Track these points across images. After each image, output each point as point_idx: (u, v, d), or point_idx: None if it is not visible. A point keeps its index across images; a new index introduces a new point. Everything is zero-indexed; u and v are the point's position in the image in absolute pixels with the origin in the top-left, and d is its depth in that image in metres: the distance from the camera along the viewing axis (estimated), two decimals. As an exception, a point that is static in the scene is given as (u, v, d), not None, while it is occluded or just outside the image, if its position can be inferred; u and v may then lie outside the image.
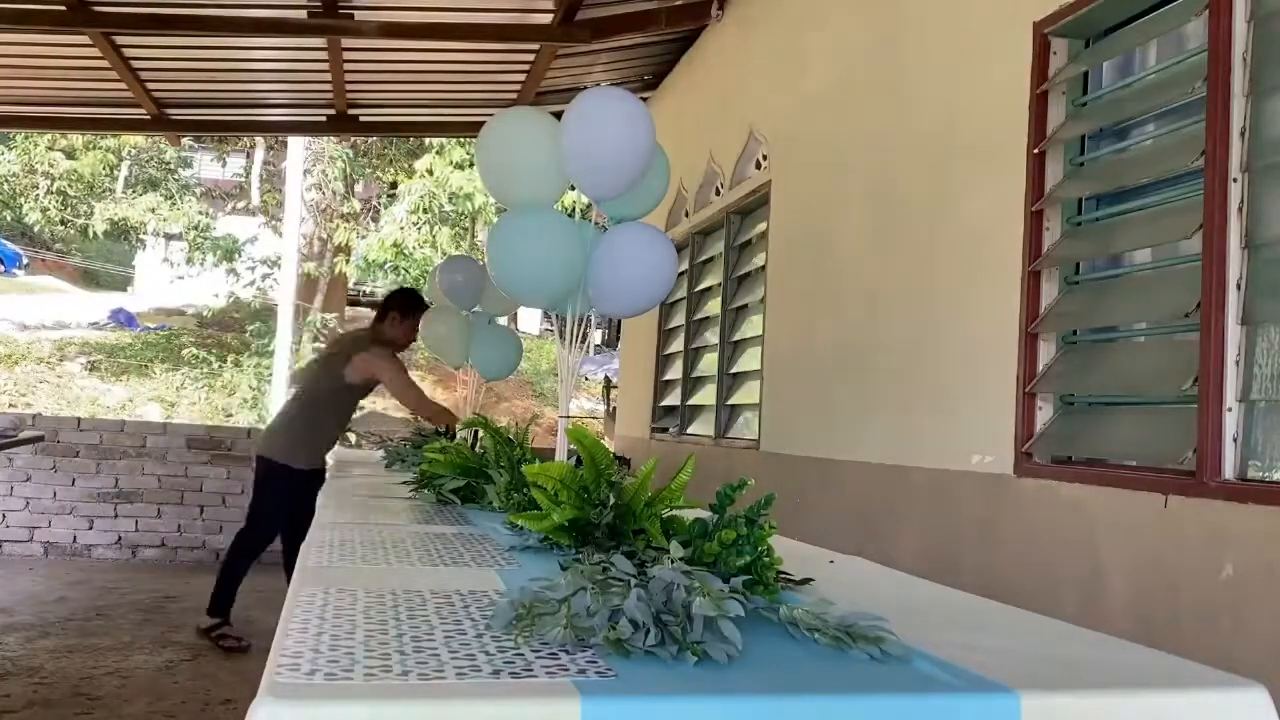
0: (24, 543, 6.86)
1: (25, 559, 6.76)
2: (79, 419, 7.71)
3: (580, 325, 2.74)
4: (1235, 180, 2.15)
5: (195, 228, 17.73)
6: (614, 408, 9.25)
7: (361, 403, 5.29)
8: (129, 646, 4.66)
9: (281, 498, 4.80)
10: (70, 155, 19.39)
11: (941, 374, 3.15)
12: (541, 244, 2.65)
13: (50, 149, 18.85)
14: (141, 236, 20.03)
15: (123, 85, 6.29)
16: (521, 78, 6.48)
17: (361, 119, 7.30)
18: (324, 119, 7.26)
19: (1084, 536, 2.47)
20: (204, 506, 7.06)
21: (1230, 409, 2.12)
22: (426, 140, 14.66)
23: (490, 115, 2.85)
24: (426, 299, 5.04)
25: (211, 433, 7.30)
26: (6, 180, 19.43)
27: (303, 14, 5.44)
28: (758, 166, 5.10)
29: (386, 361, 4.83)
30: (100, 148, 18.99)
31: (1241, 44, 2.18)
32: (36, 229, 21.42)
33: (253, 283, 16.77)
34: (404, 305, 4.95)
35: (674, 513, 1.64)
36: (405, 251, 15.09)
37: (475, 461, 2.58)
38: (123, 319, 17.72)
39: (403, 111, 7.52)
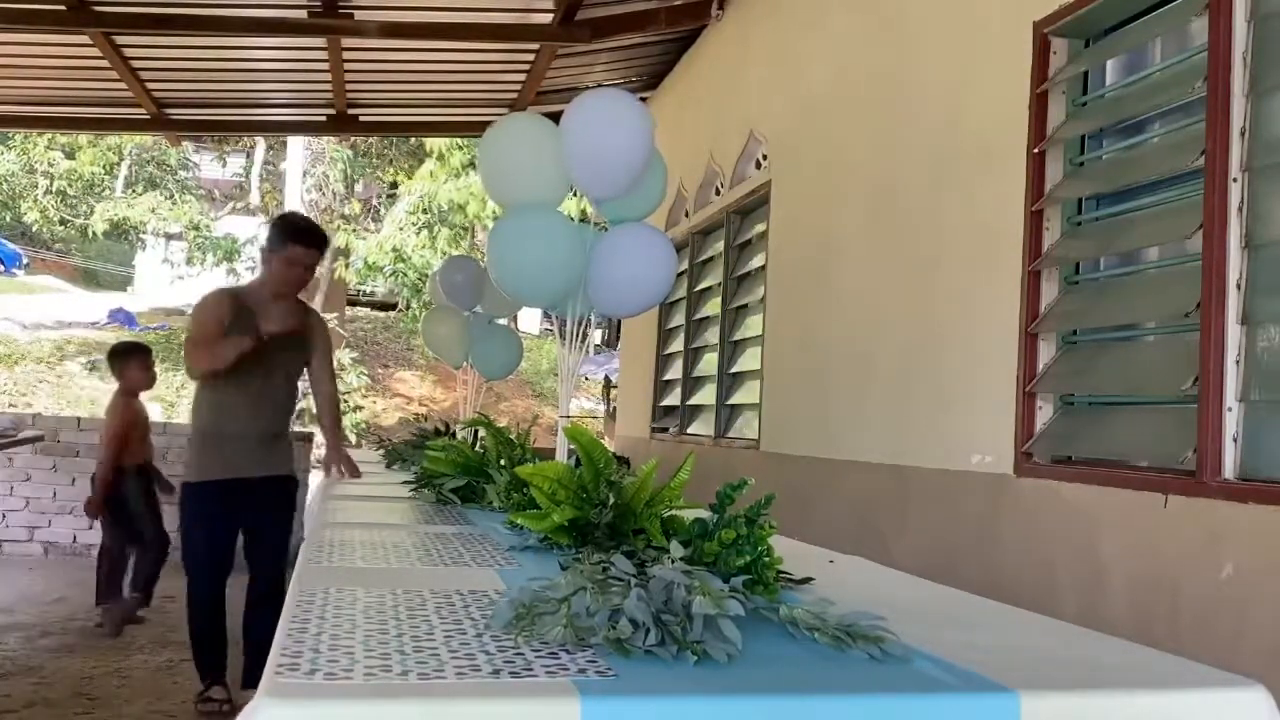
0: (24, 543, 6.86)
1: (25, 559, 6.75)
2: (79, 419, 7.71)
3: (580, 325, 2.75)
4: (1235, 180, 2.15)
5: (195, 228, 17.72)
6: (614, 408, 9.25)
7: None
8: (129, 646, 4.66)
9: (189, 522, 3.60)
10: (70, 155, 19.37)
11: (941, 374, 3.15)
12: (542, 244, 2.65)
13: (49, 148, 18.83)
14: (141, 236, 20.02)
15: (123, 85, 6.29)
16: (521, 78, 6.48)
17: (361, 119, 7.30)
18: (324, 119, 7.26)
19: (1084, 536, 2.47)
20: (204, 506, 7.05)
21: (1230, 409, 2.12)
22: (427, 145, 14.64)
23: (490, 115, 2.87)
24: (319, 227, 3.88)
25: (211, 433, 7.29)
26: (6, 180, 19.41)
27: (303, 14, 5.44)
28: (757, 166, 5.10)
29: (199, 305, 3.64)
30: (96, 145, 18.95)
31: (1241, 44, 2.18)
32: (35, 229, 21.41)
33: (253, 283, 16.74)
34: (270, 235, 3.73)
35: (674, 512, 1.64)
36: (404, 256, 15.08)
37: (475, 461, 2.59)
38: (122, 319, 17.71)
39: (403, 111, 7.53)
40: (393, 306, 19.94)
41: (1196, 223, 2.21)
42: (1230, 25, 2.18)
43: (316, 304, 16.41)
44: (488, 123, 2.87)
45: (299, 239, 3.64)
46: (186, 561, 3.61)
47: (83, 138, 18.07)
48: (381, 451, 4.31)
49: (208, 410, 3.61)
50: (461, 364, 4.79)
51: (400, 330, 18.77)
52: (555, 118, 2.71)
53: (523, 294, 2.90)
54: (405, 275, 15.45)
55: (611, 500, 1.61)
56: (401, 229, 15.29)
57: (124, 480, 5.16)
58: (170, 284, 19.22)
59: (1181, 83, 2.37)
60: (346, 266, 16.74)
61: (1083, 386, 2.65)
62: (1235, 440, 2.12)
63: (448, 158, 14.52)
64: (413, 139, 14.85)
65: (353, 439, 14.32)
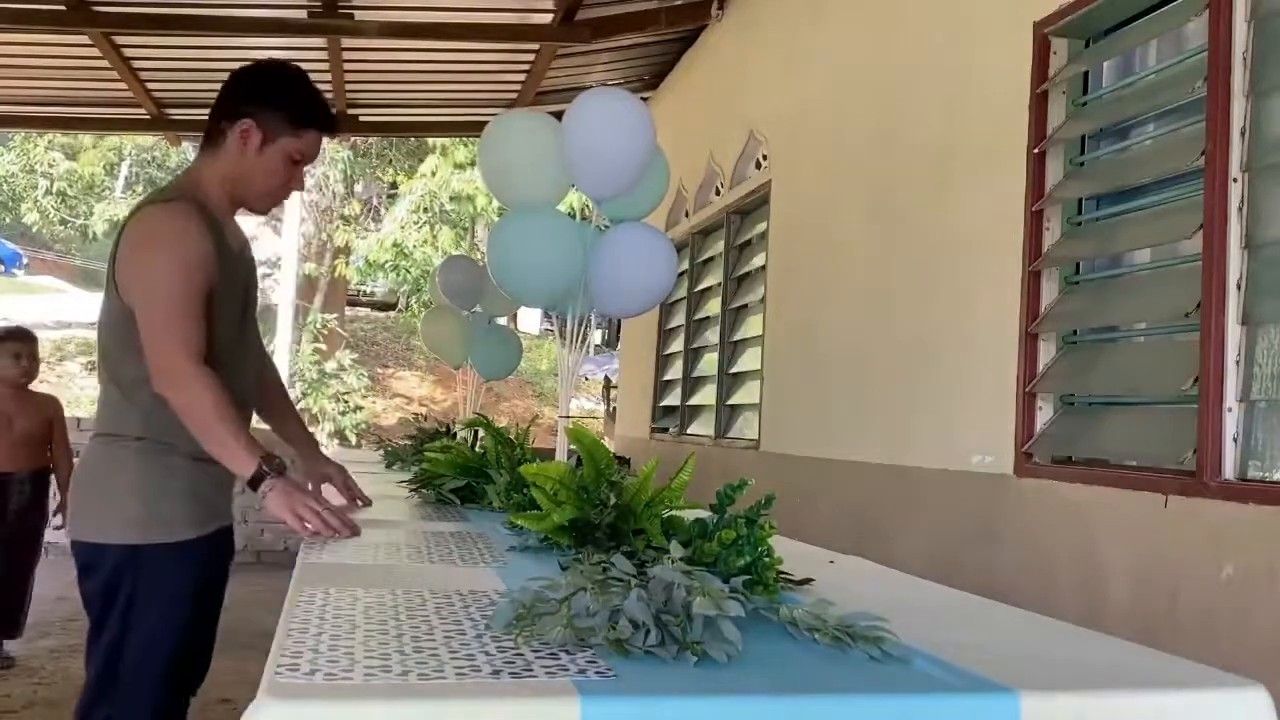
0: (24, 543, 6.84)
1: (25, 559, 6.74)
2: (79, 419, 7.71)
3: (580, 325, 2.75)
4: (1235, 180, 2.15)
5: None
6: (614, 408, 9.26)
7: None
8: (129, 646, 4.64)
9: (146, 610, 1.93)
10: (71, 156, 19.37)
11: (941, 374, 3.15)
12: (542, 244, 2.65)
13: (49, 149, 18.83)
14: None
15: (123, 85, 6.29)
16: (521, 78, 6.48)
17: (361, 119, 7.31)
18: (324, 119, 7.26)
19: (1084, 536, 2.47)
20: (204, 506, 7.05)
21: (1230, 409, 2.12)
22: (429, 141, 14.65)
23: (490, 115, 2.86)
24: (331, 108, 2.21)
25: (211, 433, 7.28)
26: (6, 180, 19.40)
27: (303, 14, 5.44)
28: (758, 166, 5.10)
29: (167, 239, 1.99)
30: (98, 146, 18.95)
31: (1241, 44, 2.18)
32: (35, 229, 21.40)
33: (252, 283, 16.71)
34: (265, 103, 2.03)
35: (674, 513, 1.64)
36: (405, 251, 15.08)
37: (475, 461, 2.58)
38: (122, 319, 17.68)
39: (403, 111, 7.53)
40: (392, 306, 19.94)
41: (1196, 223, 2.21)
42: (1230, 25, 2.18)
43: (315, 304, 16.42)
44: (487, 123, 2.87)
45: (320, 122, 2.11)
46: (135, 671, 1.93)
47: (85, 139, 18.08)
48: (381, 452, 4.30)
49: (160, 418, 1.98)
50: (461, 364, 4.79)
51: (400, 330, 18.77)
52: (556, 118, 2.71)
53: (523, 294, 2.90)
54: (407, 272, 15.46)
55: (612, 500, 1.61)
56: (403, 227, 15.30)
57: (11, 487, 4.47)
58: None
59: (1181, 83, 2.37)
60: (347, 265, 16.72)
61: (1083, 387, 2.65)
62: (1235, 440, 2.12)
63: (451, 151, 14.53)
64: (413, 139, 14.86)
65: (353, 440, 14.31)
